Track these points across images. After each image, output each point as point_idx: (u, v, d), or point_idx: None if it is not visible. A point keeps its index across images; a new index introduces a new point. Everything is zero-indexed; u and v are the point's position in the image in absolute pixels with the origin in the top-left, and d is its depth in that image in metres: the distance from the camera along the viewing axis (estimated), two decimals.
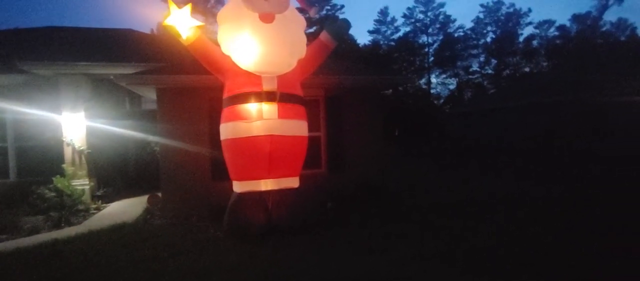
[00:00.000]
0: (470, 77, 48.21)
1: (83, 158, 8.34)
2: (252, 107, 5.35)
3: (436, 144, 24.69)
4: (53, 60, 8.21)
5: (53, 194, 7.43)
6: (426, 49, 49.36)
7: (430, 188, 9.35)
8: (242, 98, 5.40)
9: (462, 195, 8.13)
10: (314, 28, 32.50)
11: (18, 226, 6.34)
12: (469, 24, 52.07)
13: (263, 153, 5.38)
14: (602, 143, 15.39)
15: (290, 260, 4.46)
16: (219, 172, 6.59)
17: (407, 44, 48.58)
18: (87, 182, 8.29)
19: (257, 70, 5.44)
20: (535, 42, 47.42)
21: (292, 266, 4.26)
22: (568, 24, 47.16)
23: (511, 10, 48.48)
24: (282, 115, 5.43)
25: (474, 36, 49.24)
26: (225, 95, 5.61)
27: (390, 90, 33.10)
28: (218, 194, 6.45)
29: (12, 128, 8.79)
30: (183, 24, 5.11)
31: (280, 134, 5.40)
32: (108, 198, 8.71)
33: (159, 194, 7.50)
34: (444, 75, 49.41)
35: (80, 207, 7.57)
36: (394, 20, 51.76)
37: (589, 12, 44.31)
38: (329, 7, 45.08)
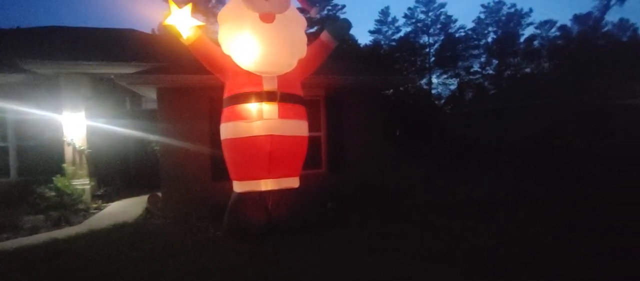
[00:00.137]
0: (471, 77, 48.19)
1: (83, 158, 8.36)
2: (252, 107, 5.35)
3: (437, 144, 24.69)
4: (54, 59, 8.23)
5: (53, 193, 7.44)
6: (427, 49, 49.39)
7: (430, 188, 9.35)
8: (243, 98, 5.40)
9: (462, 195, 8.12)
10: (315, 28, 32.51)
11: (18, 226, 6.35)
12: (470, 24, 52.12)
13: (263, 153, 5.38)
14: (603, 143, 15.37)
15: (290, 260, 4.45)
16: (219, 172, 6.59)
17: (408, 44, 48.60)
18: (88, 182, 8.30)
19: (257, 70, 5.44)
20: (536, 43, 47.40)
21: (292, 266, 4.26)
22: (569, 24, 47.18)
23: (512, 10, 48.51)
24: (282, 115, 5.43)
25: (475, 36, 49.25)
26: (226, 94, 5.61)
27: (391, 90, 33.10)
28: (218, 194, 6.45)
29: (13, 128, 8.80)
30: (183, 24, 5.12)
31: (280, 134, 5.40)
32: (108, 198, 8.72)
33: (159, 194, 7.50)
34: (445, 76, 49.44)
35: (81, 207, 7.59)
36: (395, 20, 51.87)
37: (590, 13, 44.20)
38: (330, 7, 45.10)
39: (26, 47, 9.90)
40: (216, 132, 5.88)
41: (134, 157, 10.96)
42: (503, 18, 48.80)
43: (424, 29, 49.92)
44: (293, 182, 5.74)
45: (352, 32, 46.07)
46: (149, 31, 26.23)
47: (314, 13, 7.14)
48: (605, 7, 41.49)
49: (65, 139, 8.23)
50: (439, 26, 49.76)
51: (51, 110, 8.42)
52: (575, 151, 15.51)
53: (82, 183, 8.15)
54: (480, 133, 23.00)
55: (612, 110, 15.73)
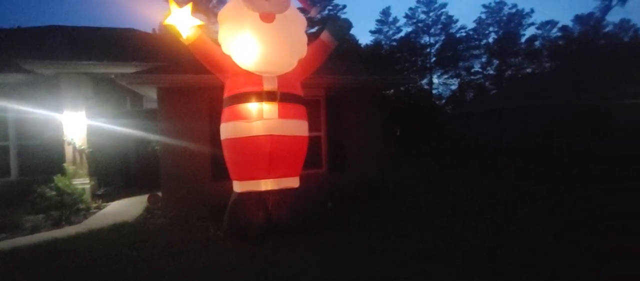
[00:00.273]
0: (472, 77, 48.19)
1: (84, 157, 8.36)
2: (252, 107, 5.35)
3: (437, 144, 24.68)
4: (54, 59, 8.24)
5: (54, 193, 7.45)
6: (428, 49, 49.39)
7: (430, 188, 9.34)
8: (243, 97, 5.39)
9: (462, 195, 8.11)
10: (316, 28, 32.50)
11: (19, 225, 6.36)
12: (471, 25, 52.07)
13: (263, 153, 5.38)
14: (603, 143, 15.36)
15: (290, 260, 4.45)
16: (219, 172, 6.59)
17: (409, 44, 48.62)
18: (88, 181, 8.30)
19: (257, 69, 5.44)
20: (537, 43, 47.37)
21: (292, 266, 4.26)
22: (571, 24, 47.11)
23: (513, 10, 48.49)
24: (282, 114, 5.42)
25: (476, 37, 49.23)
26: (226, 94, 5.61)
27: (392, 91, 33.10)
28: (218, 194, 6.45)
29: (14, 127, 8.82)
30: (183, 23, 5.11)
31: (280, 134, 5.40)
32: (108, 197, 8.73)
33: (159, 193, 7.51)
34: (446, 76, 49.46)
35: (81, 206, 7.59)
36: (396, 20, 51.92)
37: (591, 13, 44.12)
38: (330, 7, 45.11)
39: (27, 46, 9.92)
40: (216, 132, 5.88)
41: (135, 157, 10.97)
42: (504, 18, 48.77)
43: (425, 29, 49.93)
44: (293, 182, 5.74)
45: (352, 32, 46.13)
46: (149, 31, 26.24)
47: (314, 13, 7.14)
48: (607, 8, 41.40)
49: (65, 139, 8.24)
50: (440, 26, 49.78)
51: (52, 109, 8.44)
52: (575, 151, 15.49)
53: (83, 183, 8.16)
54: (480, 133, 22.99)
55: (612, 111, 15.71)
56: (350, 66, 9.72)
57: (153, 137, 9.53)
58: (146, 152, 10.61)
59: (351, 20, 6.21)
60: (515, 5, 48.41)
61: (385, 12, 51.90)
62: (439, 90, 49.57)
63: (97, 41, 10.50)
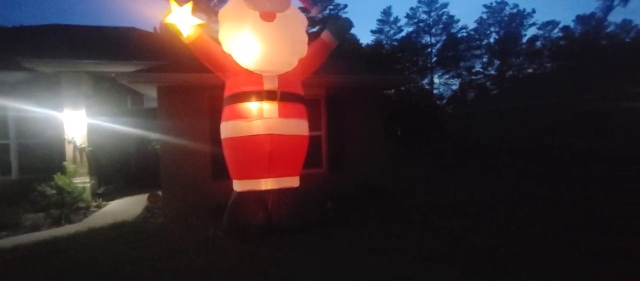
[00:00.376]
0: (473, 77, 48.17)
1: (84, 156, 8.36)
2: (252, 106, 5.34)
3: (437, 144, 24.65)
4: (55, 57, 8.24)
5: (54, 192, 7.43)
6: (429, 49, 49.40)
7: (431, 188, 9.33)
8: (243, 97, 5.39)
9: (462, 195, 8.10)
10: (317, 28, 32.49)
11: (19, 224, 6.37)
12: (472, 25, 52.02)
13: (263, 153, 5.37)
14: (603, 143, 15.33)
15: (290, 260, 4.44)
16: (219, 171, 6.59)
17: (410, 44, 48.61)
18: (88, 180, 8.31)
19: (258, 68, 5.43)
20: (538, 43, 47.32)
21: (292, 266, 4.25)
22: (572, 25, 47.07)
23: (515, 10, 48.45)
24: (282, 114, 5.42)
25: (477, 37, 49.22)
26: (226, 93, 5.60)
27: (393, 90, 33.06)
28: (218, 193, 6.45)
29: (14, 126, 8.83)
30: (184, 22, 5.10)
31: (280, 133, 5.39)
32: (109, 196, 8.73)
33: (159, 193, 7.50)
34: (447, 76, 49.47)
35: (81, 205, 7.60)
36: (397, 20, 51.94)
37: (593, 13, 44.16)
38: (332, 7, 45.11)
39: (27, 45, 9.91)
40: (216, 131, 5.87)
41: (135, 156, 10.97)
42: (505, 18, 48.74)
43: (426, 28, 49.94)
44: (293, 182, 5.73)
45: (353, 31, 46.19)
46: (150, 29, 26.24)
47: (314, 12, 7.13)
48: (608, 8, 41.45)
49: (66, 137, 8.24)
50: (441, 26, 49.79)
51: (52, 108, 8.44)
52: (576, 151, 15.47)
53: (83, 182, 8.16)
54: (481, 134, 22.96)
55: (613, 111, 15.68)
56: (351, 66, 9.70)
57: (153, 136, 9.53)
58: (146, 151, 10.61)
59: (352, 19, 6.19)
60: (516, 6, 48.48)
61: (386, 12, 51.95)
62: (440, 90, 49.63)
63: (97, 40, 10.50)
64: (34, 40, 10.51)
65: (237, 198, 5.49)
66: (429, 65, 48.84)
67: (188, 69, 7.05)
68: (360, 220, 6.11)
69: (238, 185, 5.58)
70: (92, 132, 8.58)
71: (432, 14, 49.77)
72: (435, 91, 48.16)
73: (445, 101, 47.25)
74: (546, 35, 48.03)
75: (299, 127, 5.67)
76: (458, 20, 49.42)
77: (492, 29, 49.39)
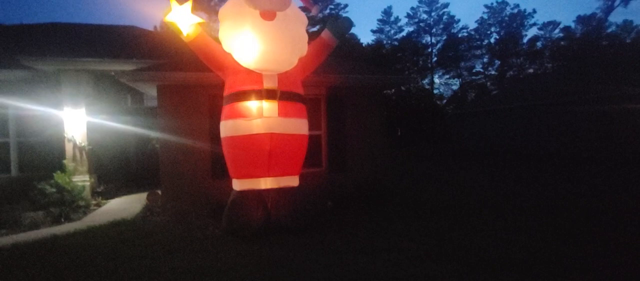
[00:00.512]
0: (474, 77, 48.17)
1: (84, 154, 8.35)
2: (252, 105, 5.34)
3: (438, 144, 24.64)
4: (55, 56, 8.23)
5: (53, 190, 7.45)
6: (429, 49, 49.37)
7: (431, 188, 9.32)
8: (243, 95, 5.38)
9: (463, 195, 8.09)
10: (317, 27, 32.47)
11: (18, 222, 6.35)
12: (472, 25, 52.01)
13: (263, 152, 5.37)
14: (604, 144, 15.32)
15: (289, 259, 4.44)
16: (219, 170, 6.59)
17: (411, 44, 48.58)
18: (88, 178, 8.30)
19: (258, 67, 5.43)
20: (539, 44, 47.27)
21: (291, 266, 4.24)
22: (573, 25, 47.01)
23: (515, 11, 48.36)
24: (282, 113, 5.41)
25: (477, 37, 49.17)
26: (226, 92, 5.60)
27: (393, 90, 33.07)
28: (218, 192, 6.45)
29: (14, 124, 8.82)
30: (184, 21, 5.10)
31: (280, 132, 5.39)
32: (108, 195, 8.72)
33: (159, 191, 7.50)
34: (447, 76, 49.48)
35: (81, 203, 7.59)
36: (397, 20, 51.93)
37: (594, 14, 44.11)
38: (332, 6, 45.09)
39: (27, 43, 9.91)
40: (216, 130, 5.86)
41: (135, 154, 10.97)
42: (506, 18, 48.66)
43: (427, 28, 49.91)
44: (293, 181, 5.73)
45: (354, 31, 46.27)
46: (151, 28, 26.25)
47: (314, 11, 7.11)
48: (609, 9, 41.41)
49: (65, 135, 8.23)
50: (441, 26, 49.77)
51: (52, 106, 8.43)
52: (576, 152, 15.46)
53: (82, 180, 8.15)
54: (481, 134, 22.96)
55: (614, 112, 15.67)
56: (351, 65, 9.69)
57: (153, 134, 9.53)
58: (146, 150, 10.62)
59: (352, 19, 6.18)
60: (517, 6, 48.41)
61: (387, 12, 51.94)
62: (440, 90, 49.60)
63: (98, 38, 10.49)
64: (34, 38, 10.50)
65: (236, 197, 5.48)
66: (430, 65, 48.82)
67: (188, 68, 7.04)
68: (359, 220, 6.10)
69: (238, 184, 5.57)
70: (92, 130, 8.57)
71: (433, 13, 49.76)
72: (435, 91, 48.16)
73: (445, 101, 47.24)
74: (547, 35, 48.00)
75: (299, 126, 5.66)
76: (459, 20, 49.54)
77: (492, 29, 49.38)
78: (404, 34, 50.73)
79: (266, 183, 5.52)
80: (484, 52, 48.27)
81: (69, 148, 8.26)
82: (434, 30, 49.81)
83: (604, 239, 4.87)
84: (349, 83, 8.01)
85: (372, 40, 51.23)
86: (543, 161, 14.61)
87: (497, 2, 49.00)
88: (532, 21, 47.93)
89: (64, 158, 8.16)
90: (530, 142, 18.53)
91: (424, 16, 49.95)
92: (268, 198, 5.50)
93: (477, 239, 4.99)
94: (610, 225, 5.52)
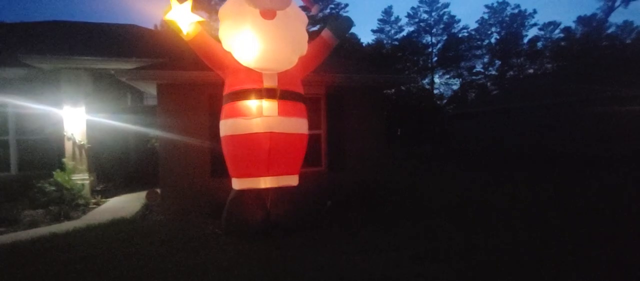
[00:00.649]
0: (474, 77, 48.13)
1: (83, 153, 8.35)
2: (252, 104, 5.33)
3: (438, 144, 24.64)
4: (55, 54, 8.22)
5: (53, 188, 7.45)
6: (430, 49, 49.33)
7: (430, 188, 9.32)
8: (242, 95, 5.37)
9: (462, 195, 8.09)
10: (317, 26, 32.46)
11: (18, 220, 6.36)
12: (473, 25, 52.04)
13: (262, 151, 5.36)
14: (604, 144, 15.31)
15: (288, 259, 4.43)
16: (218, 169, 6.58)
17: (411, 44, 48.56)
18: (87, 177, 8.30)
19: (257, 66, 5.42)
20: (539, 44, 47.26)
21: (290, 265, 4.24)
22: (573, 26, 46.98)
23: (516, 11, 48.32)
24: (282, 112, 5.40)
25: (478, 37, 49.13)
26: (226, 91, 5.59)
27: (393, 90, 33.06)
28: (217, 191, 6.44)
29: (14, 122, 8.82)
30: (184, 19, 5.09)
31: (280, 131, 5.38)
32: (108, 193, 8.73)
33: (158, 190, 7.49)
34: (448, 76, 49.42)
35: (80, 202, 7.59)
36: (398, 19, 51.88)
37: (594, 14, 44.07)
38: (333, 6, 45.05)
39: (27, 41, 9.90)
40: (216, 129, 5.86)
41: (134, 153, 10.96)
42: (507, 19, 48.63)
43: (427, 28, 49.87)
44: (292, 180, 5.72)
45: (354, 30, 46.23)
46: (151, 27, 26.23)
47: (314, 10, 7.11)
48: (610, 9, 41.37)
49: (65, 134, 8.23)
50: (442, 26, 49.72)
51: (52, 104, 8.43)
52: (576, 152, 15.46)
53: (82, 178, 8.15)
54: (481, 134, 22.94)
55: (614, 112, 15.65)
56: (352, 64, 9.70)
57: (153, 133, 9.53)
58: (146, 149, 10.61)
59: (353, 18, 6.17)
60: (517, 6, 48.34)
61: (387, 11, 51.90)
62: (441, 90, 49.57)
63: (97, 37, 10.49)
64: (34, 36, 10.50)
65: (235, 196, 5.47)
66: (430, 65, 48.79)
67: (188, 67, 7.04)
68: (359, 219, 6.10)
69: (237, 183, 5.56)
70: (91, 129, 8.57)
71: (433, 13, 49.71)
72: (435, 91, 48.14)
73: (445, 101, 47.22)
74: (547, 35, 47.97)
75: (299, 125, 5.65)
76: (459, 20, 49.42)
77: (493, 29, 49.33)
78: (404, 33, 50.77)
79: (266, 182, 5.51)
80: (485, 52, 48.25)
81: (68, 146, 8.26)
82: (434, 30, 49.78)
83: (604, 239, 4.86)
84: (349, 82, 8.00)
85: (373, 40, 51.30)
86: (543, 161, 14.60)
87: (497, 2, 49.02)
88: (532, 21, 47.96)
89: (64, 157, 8.16)
90: (530, 142, 18.52)
91: (425, 16, 49.94)
92: (267, 197, 5.49)
93: (477, 239, 4.99)
94: (610, 225, 5.52)
